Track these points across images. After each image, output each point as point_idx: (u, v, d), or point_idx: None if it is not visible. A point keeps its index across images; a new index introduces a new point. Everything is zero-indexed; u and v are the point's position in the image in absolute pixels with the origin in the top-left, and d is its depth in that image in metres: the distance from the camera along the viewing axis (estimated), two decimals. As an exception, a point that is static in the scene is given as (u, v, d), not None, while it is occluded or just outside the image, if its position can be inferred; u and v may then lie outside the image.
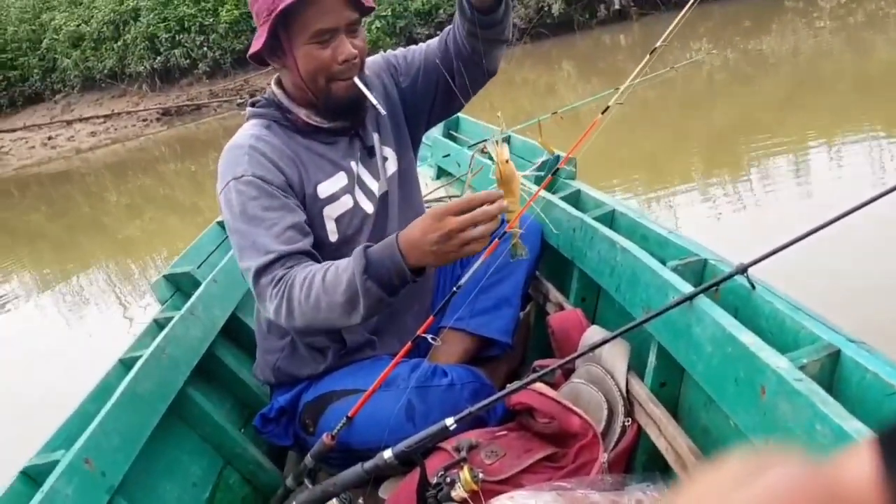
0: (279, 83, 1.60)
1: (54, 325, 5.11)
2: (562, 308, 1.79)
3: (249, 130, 1.57)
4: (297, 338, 1.64)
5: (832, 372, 0.98)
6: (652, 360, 1.40)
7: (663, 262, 1.45)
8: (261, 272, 1.44)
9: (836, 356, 0.98)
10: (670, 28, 1.44)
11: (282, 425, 1.68)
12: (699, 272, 1.43)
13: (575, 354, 1.29)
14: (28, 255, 7.79)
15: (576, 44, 12.96)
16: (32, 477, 1.23)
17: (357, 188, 1.62)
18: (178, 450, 1.62)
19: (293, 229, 1.47)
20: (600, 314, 1.80)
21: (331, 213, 1.57)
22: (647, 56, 1.44)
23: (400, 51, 1.77)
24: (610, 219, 1.80)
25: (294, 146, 1.56)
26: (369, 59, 1.76)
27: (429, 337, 1.41)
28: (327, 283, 1.38)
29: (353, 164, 1.62)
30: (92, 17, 17.04)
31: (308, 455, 1.51)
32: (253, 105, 1.63)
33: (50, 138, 16.17)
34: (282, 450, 1.82)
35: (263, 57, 1.51)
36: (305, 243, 1.48)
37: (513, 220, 1.42)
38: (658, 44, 1.48)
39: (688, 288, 1.27)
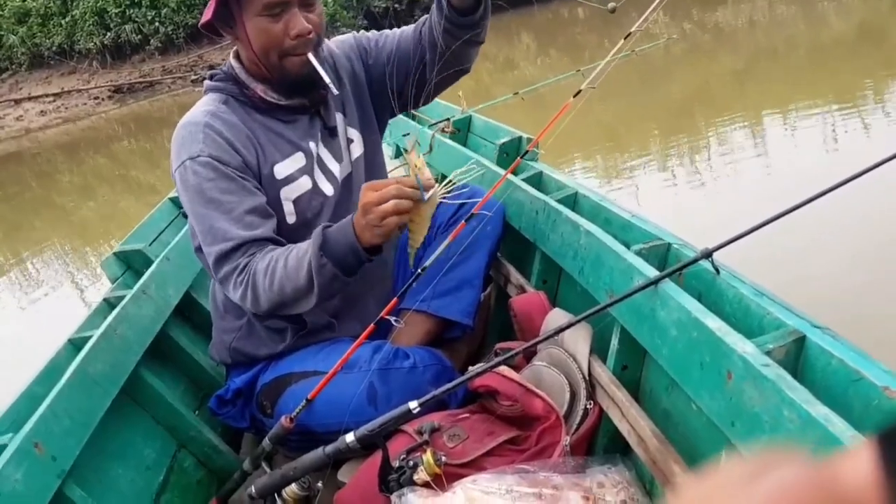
0: (237, 56, 1.55)
1: (7, 310, 4.94)
2: (523, 290, 1.78)
3: (205, 106, 1.52)
4: (254, 319, 1.60)
5: (797, 357, 0.99)
6: (614, 343, 1.40)
7: (627, 246, 1.45)
8: (222, 260, 1.42)
9: (801, 342, 0.99)
10: (645, 14, 1.43)
11: (238, 407, 1.64)
12: (663, 256, 1.44)
13: (539, 338, 1.28)
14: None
15: (534, 16, 12.99)
16: None
17: (317, 169, 1.58)
18: (131, 432, 1.57)
19: (253, 213, 1.44)
20: (562, 297, 1.80)
21: (288, 194, 1.54)
22: (622, 41, 1.43)
23: (372, 33, 1.74)
24: (573, 201, 1.79)
25: (251, 124, 1.52)
26: (338, 39, 1.73)
27: (392, 319, 1.39)
28: (289, 268, 1.38)
29: (312, 144, 1.58)
30: (37, -8, 16.38)
31: (266, 438, 1.48)
32: (211, 78, 1.58)
33: (-2, 117, 15.59)
34: (238, 432, 1.78)
35: (216, 27, 1.47)
36: (266, 228, 1.45)
37: (418, 228, 1.43)
38: (633, 28, 1.48)
39: (652, 272, 1.28)
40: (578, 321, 1.22)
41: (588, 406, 1.35)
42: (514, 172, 2.04)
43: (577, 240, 1.57)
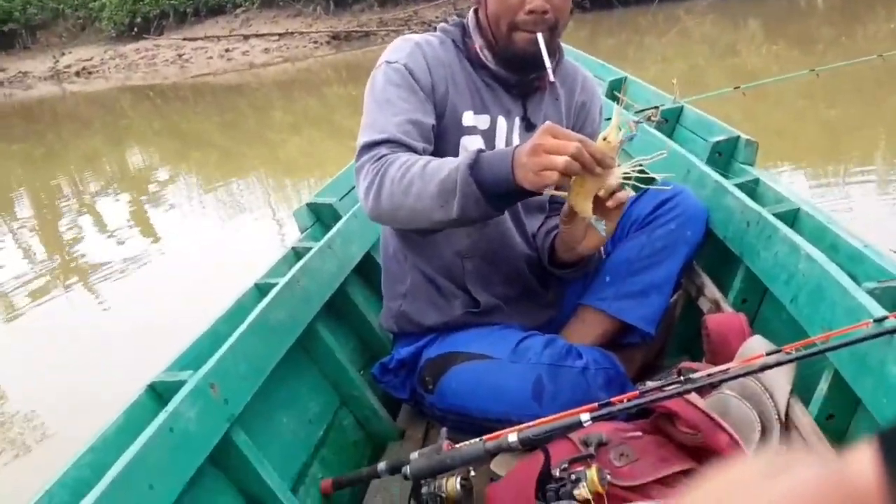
0: (476, 11, 1.56)
1: (211, 223, 5.37)
2: (718, 307, 1.62)
3: (428, 35, 1.56)
4: (421, 280, 1.58)
5: None
6: (823, 387, 1.23)
7: (856, 281, 1.26)
8: (367, 147, 1.40)
9: None
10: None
11: (400, 378, 1.64)
12: None
13: (739, 371, 1.14)
14: (195, 160, 8.26)
15: (766, 2, 11.96)
16: (159, 393, 1.23)
17: (497, 141, 1.54)
18: (299, 384, 1.60)
19: (416, 126, 1.42)
20: (762, 321, 1.61)
21: (467, 143, 1.51)
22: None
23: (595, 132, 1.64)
24: (793, 218, 1.59)
25: (457, 67, 1.53)
26: (588, 74, 1.71)
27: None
28: (428, 169, 1.29)
29: (501, 118, 1.54)
30: (279, -72, 17.43)
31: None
32: (446, 22, 1.62)
33: (227, 50, 16.99)
34: (397, 401, 1.78)
35: None
36: (420, 143, 1.42)
37: (577, 200, 1.29)
38: None
39: (887, 316, 1.09)
40: (790, 361, 1.06)
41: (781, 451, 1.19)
42: (727, 176, 1.86)
43: (794, 263, 1.39)
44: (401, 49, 1.50)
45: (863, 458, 0.31)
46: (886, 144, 4.65)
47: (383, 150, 1.38)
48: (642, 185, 1.37)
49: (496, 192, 1.25)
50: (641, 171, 1.29)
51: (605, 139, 1.23)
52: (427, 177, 1.29)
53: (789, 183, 3.87)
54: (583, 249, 1.46)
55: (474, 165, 1.25)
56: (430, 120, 1.46)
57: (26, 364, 3.55)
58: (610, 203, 1.31)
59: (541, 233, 1.65)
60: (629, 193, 1.34)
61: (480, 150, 1.29)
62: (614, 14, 13.35)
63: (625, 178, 1.27)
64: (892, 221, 3.49)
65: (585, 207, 1.28)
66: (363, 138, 1.41)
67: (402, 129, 1.40)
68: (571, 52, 3.28)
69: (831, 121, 5.07)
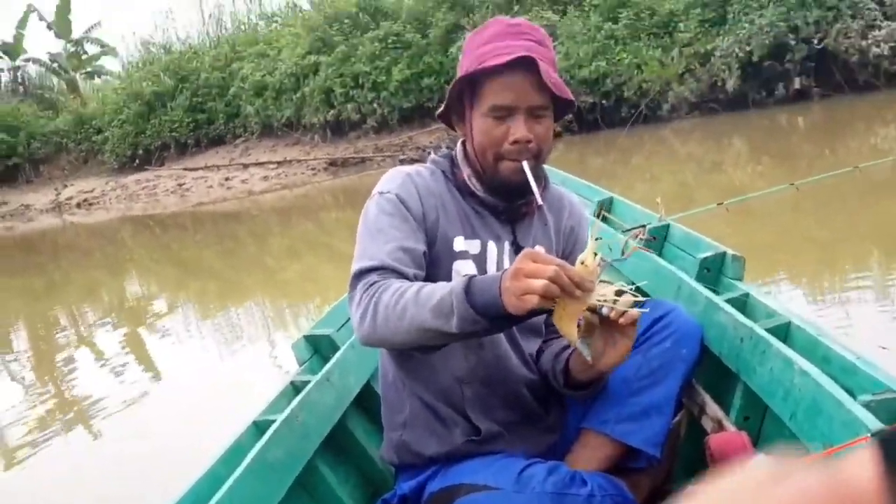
0: (464, 143, 1.62)
1: (210, 359, 5.37)
2: (720, 425, 1.61)
3: (419, 167, 1.63)
4: (420, 408, 1.58)
5: None
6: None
7: (851, 394, 1.27)
8: (358, 275, 1.42)
9: None
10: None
11: None
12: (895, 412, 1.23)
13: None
14: (194, 289, 8.32)
15: (750, 121, 12.39)
16: None
17: (487, 266, 1.58)
18: None
19: (407, 253, 1.45)
20: (766, 439, 1.60)
21: (459, 268, 1.54)
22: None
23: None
24: (784, 332, 1.61)
25: (447, 196, 1.58)
26: (575, 199, 1.78)
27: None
28: (421, 294, 1.31)
29: (492, 243, 1.58)
30: (276, 68, 18.35)
31: None
32: (435, 152, 1.70)
33: (227, 179, 17.54)
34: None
35: (451, 118, 1.59)
36: (412, 270, 1.44)
37: (561, 324, 1.29)
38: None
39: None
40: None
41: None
42: (717, 292, 1.89)
43: (789, 378, 1.40)
44: (393, 180, 1.57)
45: (862, 461, 0.32)
46: (878, 253, 4.73)
47: (375, 276, 1.41)
48: (620, 307, 1.33)
49: (489, 315, 1.27)
50: (619, 293, 1.29)
51: (582, 263, 1.25)
52: (421, 302, 1.31)
53: (782, 293, 3.91)
54: (602, 366, 1.42)
55: (468, 290, 1.27)
56: (422, 247, 1.50)
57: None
58: (622, 321, 1.32)
59: (547, 356, 1.65)
60: (639, 311, 1.34)
61: (472, 276, 1.32)
62: (601, 135, 13.85)
63: (600, 301, 1.27)
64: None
65: (569, 330, 1.29)
66: (355, 266, 1.45)
67: (393, 256, 1.44)
68: (558, 174, 3.40)
69: (817, 234, 5.20)
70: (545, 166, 1.66)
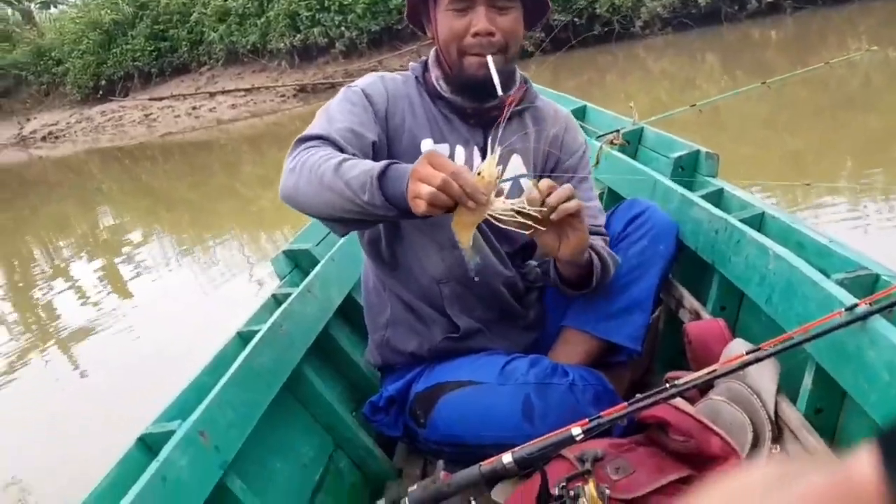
0: (437, 50, 1.58)
1: (188, 286, 5.35)
2: (698, 316, 1.65)
3: (395, 74, 1.62)
4: (399, 307, 1.60)
5: None
6: (807, 382, 1.25)
7: (825, 274, 1.29)
8: (300, 140, 1.39)
9: None
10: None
11: (391, 415, 1.63)
12: (869, 287, 1.27)
13: (721, 371, 1.16)
14: (168, 219, 8.22)
15: (722, 36, 12.23)
16: (149, 445, 1.22)
17: None
18: (291, 429, 1.59)
19: (355, 136, 1.41)
20: (743, 326, 1.64)
21: None
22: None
23: (581, 159, 1.67)
24: (759, 222, 1.64)
25: (417, 100, 1.56)
26: (562, 109, 1.72)
27: None
28: (345, 164, 1.26)
29: (459, 148, 1.55)
30: (238, -8, 17.54)
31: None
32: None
33: (194, 108, 17.03)
34: (392, 440, 1.77)
35: (421, 22, 1.56)
36: (353, 151, 1.38)
37: (458, 230, 1.22)
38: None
39: (858, 304, 1.12)
40: (769, 356, 1.09)
41: (774, 450, 1.21)
42: (691, 188, 1.91)
43: (764, 264, 1.42)
44: (364, 79, 1.57)
45: (864, 461, 0.31)
46: (851, 162, 4.77)
47: (316, 142, 1.37)
48: (521, 230, 1.27)
49: (400, 207, 1.22)
50: (519, 213, 1.22)
51: (479, 174, 1.18)
52: (343, 171, 1.25)
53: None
54: (563, 255, 1.39)
55: (383, 176, 1.22)
56: (373, 137, 1.45)
57: (8, 429, 3.50)
58: (553, 216, 1.28)
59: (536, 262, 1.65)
60: (575, 203, 1.28)
61: (392, 163, 1.25)
62: (574, 55, 13.64)
63: (498, 216, 1.22)
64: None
65: (463, 238, 1.22)
66: (302, 134, 1.41)
67: (340, 133, 1.40)
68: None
69: (794, 143, 5.21)
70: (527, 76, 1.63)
